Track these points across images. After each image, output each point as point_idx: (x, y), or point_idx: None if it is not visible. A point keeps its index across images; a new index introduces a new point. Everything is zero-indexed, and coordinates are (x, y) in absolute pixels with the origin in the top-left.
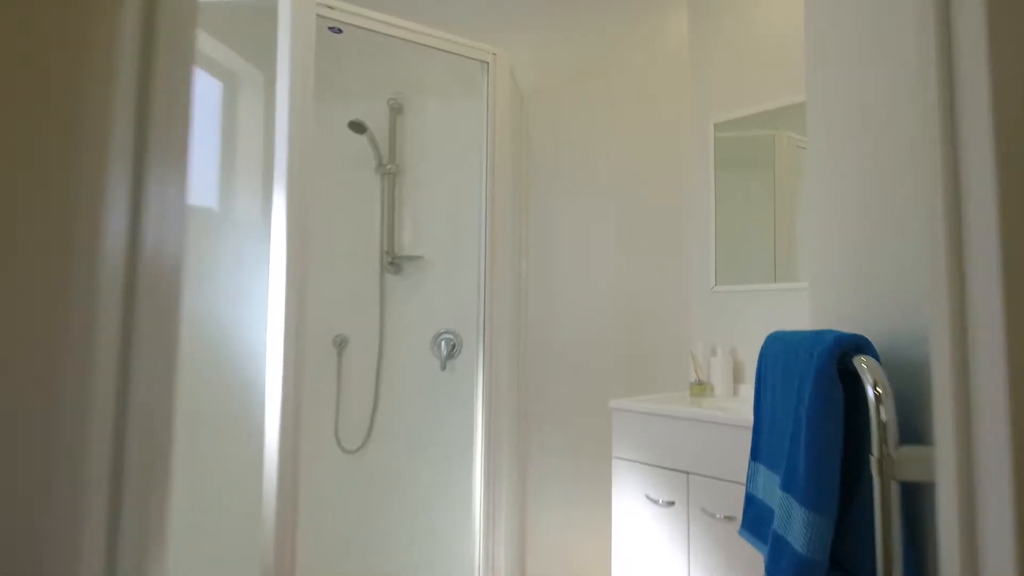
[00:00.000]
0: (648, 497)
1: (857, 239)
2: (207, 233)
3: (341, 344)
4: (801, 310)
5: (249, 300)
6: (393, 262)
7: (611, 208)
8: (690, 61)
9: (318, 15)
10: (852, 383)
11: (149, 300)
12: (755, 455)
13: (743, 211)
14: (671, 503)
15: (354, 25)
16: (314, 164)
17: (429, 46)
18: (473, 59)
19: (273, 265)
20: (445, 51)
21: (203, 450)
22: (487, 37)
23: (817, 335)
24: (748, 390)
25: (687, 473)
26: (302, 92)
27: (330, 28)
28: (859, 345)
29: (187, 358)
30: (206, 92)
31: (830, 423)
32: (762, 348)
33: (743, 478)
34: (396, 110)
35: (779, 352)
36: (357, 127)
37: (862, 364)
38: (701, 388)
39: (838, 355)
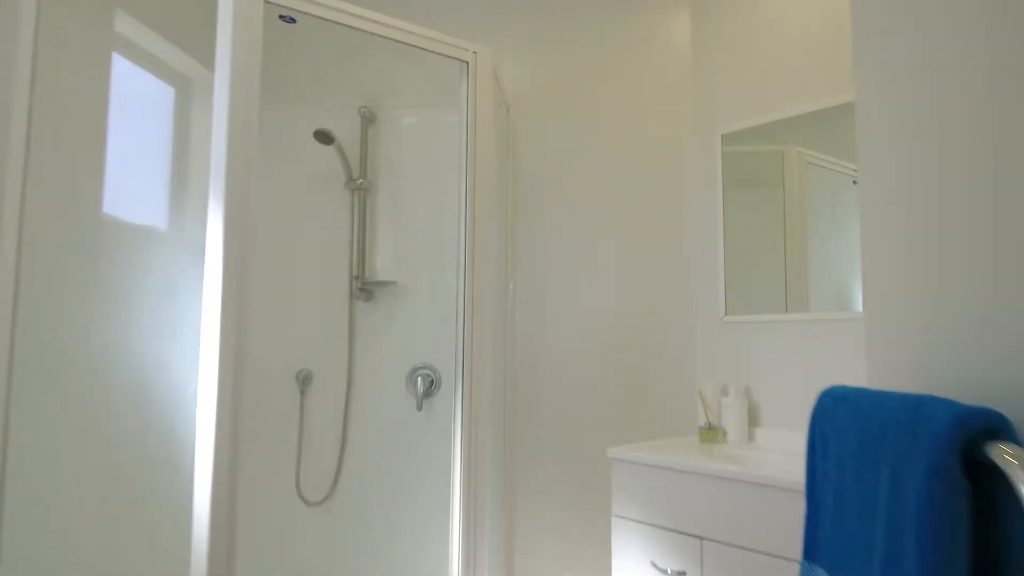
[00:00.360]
0: (655, 565)
1: (974, 270)
2: (151, 256)
3: (305, 380)
4: (831, 346)
5: (193, 332)
6: (364, 288)
7: (607, 227)
8: (692, 66)
9: (266, 0)
10: (979, 477)
11: None
12: (812, 554)
13: (752, 232)
14: (682, 573)
15: (309, 14)
16: (273, 177)
17: (398, 41)
18: (450, 58)
19: (207, 291)
20: (417, 47)
21: (120, 514)
22: (467, 37)
23: (917, 406)
24: (765, 435)
25: (700, 538)
26: (246, 90)
27: (281, 17)
28: (992, 426)
29: (108, 400)
30: (155, 98)
31: (951, 542)
32: (816, 408)
33: (768, 547)
34: (368, 119)
35: (848, 418)
36: (323, 137)
37: (1006, 456)
38: (712, 433)
39: (962, 441)
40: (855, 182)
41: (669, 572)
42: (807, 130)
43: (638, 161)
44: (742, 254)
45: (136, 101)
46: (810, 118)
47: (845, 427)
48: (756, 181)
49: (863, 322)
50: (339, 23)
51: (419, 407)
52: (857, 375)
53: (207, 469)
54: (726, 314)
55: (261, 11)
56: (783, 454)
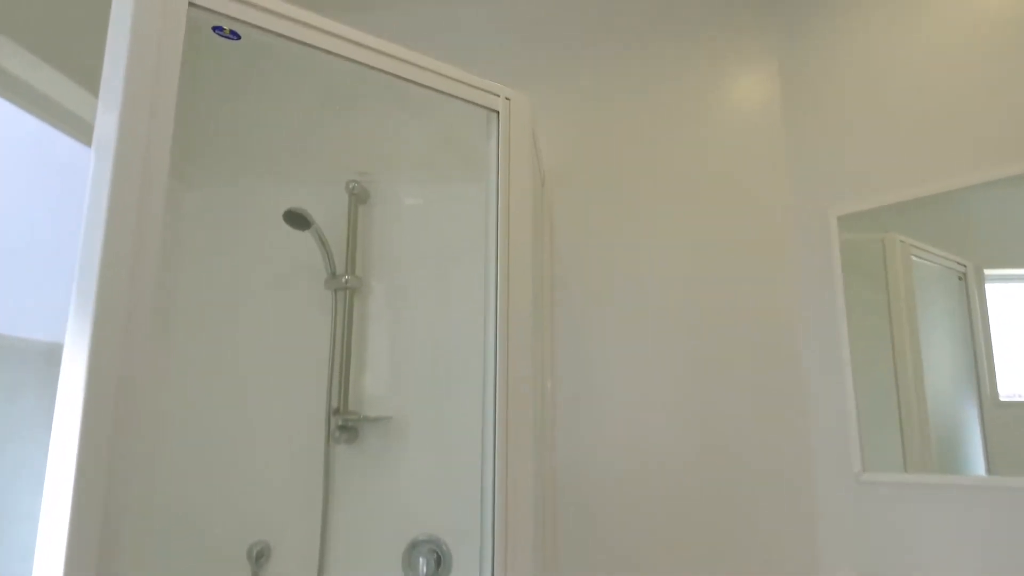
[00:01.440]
0: None
1: None
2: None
3: (260, 557)
4: None
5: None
6: (346, 426)
7: (673, 331)
8: (785, 129)
9: (191, 2)
10: None
11: None
12: None
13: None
14: None
15: (259, 27)
16: (225, 274)
17: (398, 77)
18: (474, 105)
19: (56, 428)
20: (426, 88)
21: None
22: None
23: None
24: None
25: None
26: (145, 147)
27: (216, 29)
28: None
29: None
30: (71, 166)
31: None
32: None
33: None
34: (358, 197)
35: None
36: (296, 220)
37: None
38: None
39: None
40: (960, 277)
41: None
42: (918, 217)
43: (720, 246)
44: (876, 378)
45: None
46: (916, 204)
47: None
48: (855, 274)
49: None
50: (311, 45)
51: None
52: None
53: None
54: (864, 470)
55: (182, 23)
56: None
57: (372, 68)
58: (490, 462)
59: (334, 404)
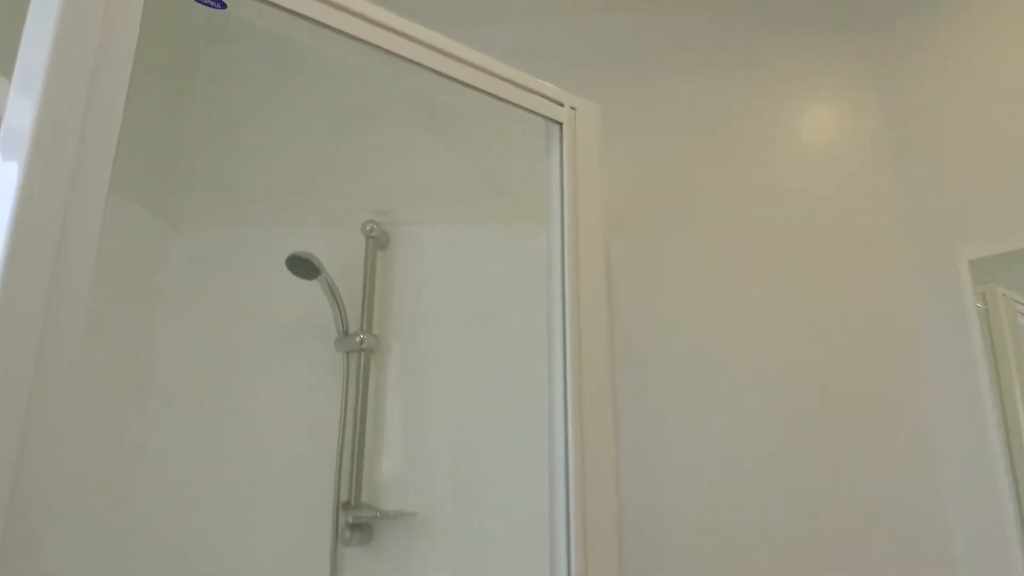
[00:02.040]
0: None
1: None
2: None
3: None
4: None
5: None
6: (358, 524)
7: (761, 396)
8: (893, 163)
9: None
10: None
11: None
12: None
13: None
14: None
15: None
16: (211, 333)
17: (436, 73)
18: (532, 114)
19: None
20: (467, 86)
21: None
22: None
23: None
24: None
25: None
26: (76, 137)
27: None
28: None
29: None
30: None
31: None
32: None
33: None
34: (378, 240)
35: None
36: (302, 267)
37: None
38: None
39: None
40: None
41: None
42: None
43: (816, 294)
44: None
45: None
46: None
47: None
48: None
49: None
50: (317, 22)
51: None
52: None
53: None
54: None
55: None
56: None
57: (396, 55)
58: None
59: (344, 496)
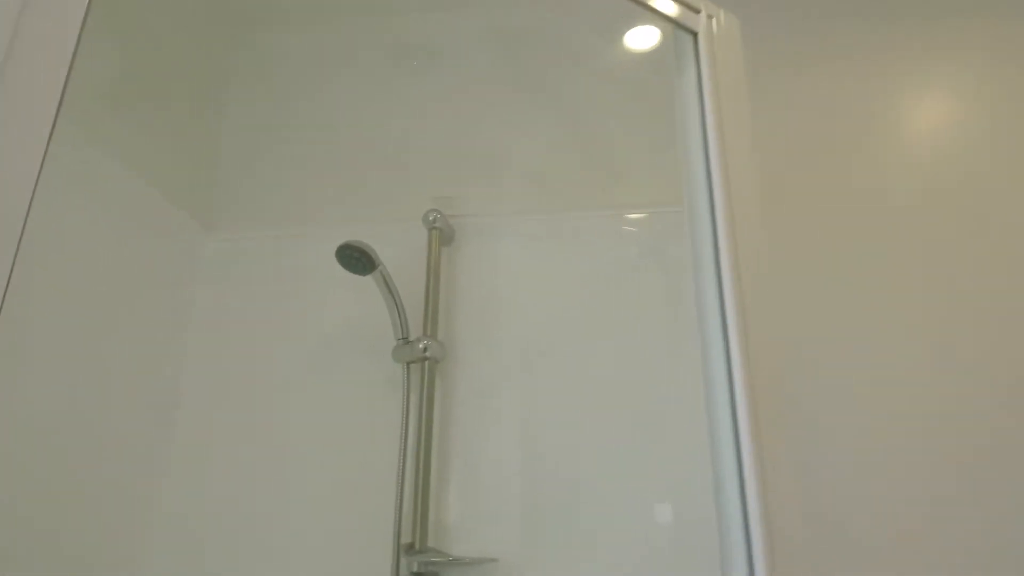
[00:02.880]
0: None
1: None
2: None
3: None
4: None
5: None
6: (423, 573)
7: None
8: None
9: None
10: None
11: None
12: None
13: None
14: None
15: None
16: (244, 339)
17: None
18: (660, 16)
19: None
20: None
21: None
22: None
23: None
24: None
25: None
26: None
27: None
28: None
29: None
30: None
31: None
32: None
33: None
34: (443, 233)
35: None
36: (355, 260)
37: None
38: None
39: None
40: None
41: None
42: None
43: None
44: None
45: None
46: None
47: None
48: None
49: None
50: None
51: None
52: None
53: None
54: None
55: None
56: None
57: None
58: None
59: (406, 537)
